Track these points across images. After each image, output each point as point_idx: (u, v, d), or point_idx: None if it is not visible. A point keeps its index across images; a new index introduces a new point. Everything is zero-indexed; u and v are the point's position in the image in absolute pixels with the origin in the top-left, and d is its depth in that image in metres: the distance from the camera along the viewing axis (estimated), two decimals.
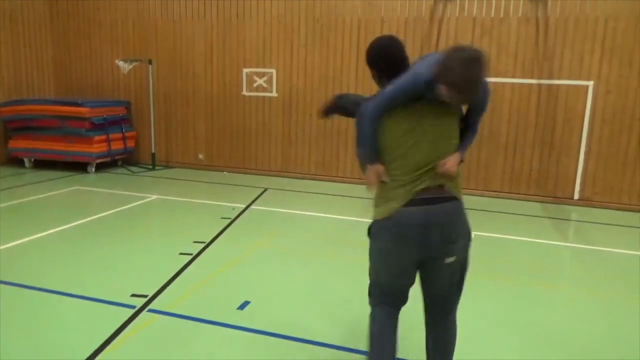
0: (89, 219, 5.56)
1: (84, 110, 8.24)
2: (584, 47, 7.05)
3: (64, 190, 7.08)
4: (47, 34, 9.69)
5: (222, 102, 8.94)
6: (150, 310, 3.39)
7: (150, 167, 9.06)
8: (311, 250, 4.88)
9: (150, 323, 3.23)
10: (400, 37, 8.48)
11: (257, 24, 8.49)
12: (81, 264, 4.25)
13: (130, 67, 8.70)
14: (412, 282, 2.24)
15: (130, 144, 9.25)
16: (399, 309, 2.29)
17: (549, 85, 7.24)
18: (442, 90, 1.92)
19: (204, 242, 4.87)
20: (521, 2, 7.21)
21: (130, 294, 3.63)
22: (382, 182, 2.15)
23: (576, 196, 7.28)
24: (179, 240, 4.94)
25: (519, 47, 7.30)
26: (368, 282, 2.32)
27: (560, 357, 3.02)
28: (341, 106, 2.49)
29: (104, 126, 8.53)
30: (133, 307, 3.43)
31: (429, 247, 2.09)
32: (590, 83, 6.96)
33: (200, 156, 9.23)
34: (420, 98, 2.05)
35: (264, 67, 8.57)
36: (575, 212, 7.02)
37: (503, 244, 5.33)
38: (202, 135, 9.19)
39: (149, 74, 8.85)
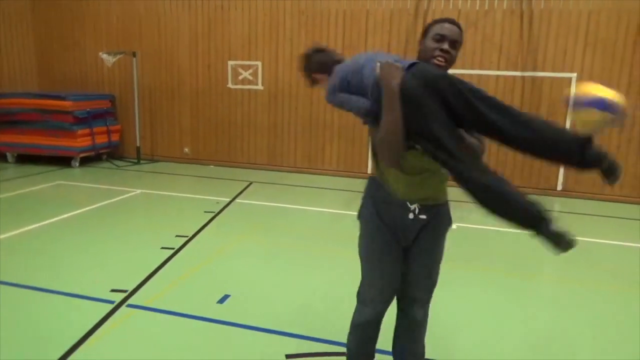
0: (70, 214, 5.52)
1: (67, 104, 8.15)
2: (567, 40, 7.08)
3: (47, 184, 7.01)
4: (29, 27, 9.55)
5: (207, 95, 8.88)
6: (129, 305, 3.38)
7: (135, 161, 9.00)
8: (294, 243, 4.88)
9: (129, 318, 3.21)
10: (385, 29, 8.47)
11: (242, 17, 8.43)
12: (61, 259, 4.21)
13: (114, 59, 8.59)
14: None
15: (115, 137, 9.17)
16: None
17: (533, 78, 7.28)
18: None
19: (187, 236, 4.86)
20: None
21: (110, 289, 3.60)
22: None
23: (559, 187, 7.34)
24: (161, 234, 4.92)
25: (503, 39, 7.32)
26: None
27: (537, 349, 3.06)
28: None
29: (87, 120, 8.44)
30: (112, 302, 3.41)
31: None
32: (574, 75, 7.00)
33: (186, 150, 9.18)
34: None
35: (250, 59, 8.52)
36: (558, 203, 7.08)
37: (482, 235, 5.36)
38: (187, 129, 9.13)
39: (133, 66, 8.76)
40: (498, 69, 7.35)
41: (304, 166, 8.56)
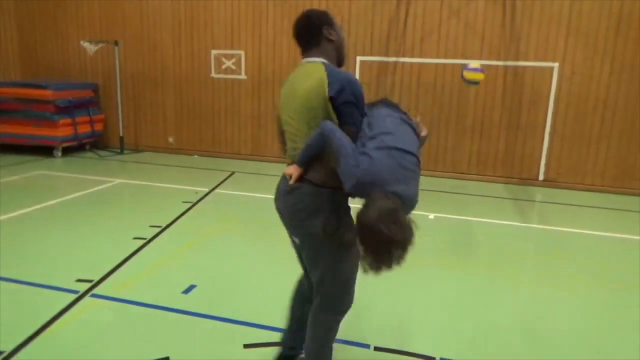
0: (46, 204, 5.49)
1: (48, 93, 8.07)
2: (549, 29, 7.05)
3: (27, 174, 6.97)
4: (11, 15, 9.42)
5: (191, 85, 8.82)
6: (93, 295, 3.37)
7: (119, 151, 8.95)
8: (268, 234, 4.86)
9: (92, 308, 3.20)
10: (368, 17, 8.37)
11: (224, 5, 8.34)
12: (29, 249, 4.19)
13: (96, 48, 8.51)
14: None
15: (99, 127, 9.11)
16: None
17: (515, 67, 7.25)
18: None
19: (160, 227, 4.84)
20: None
21: (76, 279, 3.59)
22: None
23: (541, 177, 7.35)
24: (135, 224, 4.90)
25: (485, 28, 7.28)
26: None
27: (515, 339, 3.07)
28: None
29: (69, 109, 8.37)
30: (77, 292, 3.40)
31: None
32: (556, 65, 6.97)
33: (170, 139, 9.13)
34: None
35: (233, 48, 8.45)
36: (539, 193, 7.10)
37: (464, 226, 5.37)
38: (171, 119, 9.07)
39: (115, 55, 8.68)
40: (480, 58, 7.31)
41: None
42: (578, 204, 6.54)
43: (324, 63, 2.11)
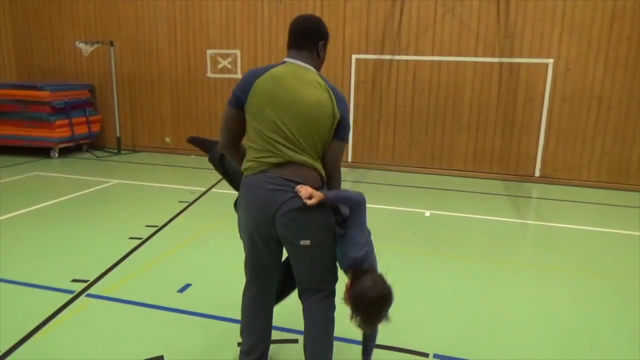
0: (43, 204, 5.50)
1: (44, 94, 8.08)
2: (544, 26, 7.07)
3: (23, 175, 6.97)
4: (6, 16, 9.42)
5: (187, 85, 8.82)
6: (88, 295, 3.38)
7: (116, 151, 8.95)
8: None
9: (87, 308, 3.21)
10: (363, 15, 8.38)
11: (220, 4, 8.34)
12: (27, 249, 4.20)
13: (92, 49, 8.51)
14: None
15: (95, 128, 9.11)
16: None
17: (510, 64, 7.27)
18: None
19: (156, 226, 4.85)
20: None
21: (71, 279, 3.60)
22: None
23: (537, 173, 7.37)
24: (131, 224, 4.91)
25: (480, 25, 7.29)
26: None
27: (510, 333, 3.08)
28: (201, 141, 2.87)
29: (65, 110, 8.38)
30: (72, 292, 3.41)
31: None
32: (550, 61, 7.00)
33: (167, 139, 9.14)
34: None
35: (228, 48, 8.45)
36: (535, 190, 7.12)
37: (460, 222, 5.39)
38: (168, 119, 9.08)
39: (111, 56, 8.68)
40: (475, 56, 7.34)
41: None
42: (573, 200, 6.56)
43: (319, 75, 2.16)
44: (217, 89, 8.68)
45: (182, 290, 3.50)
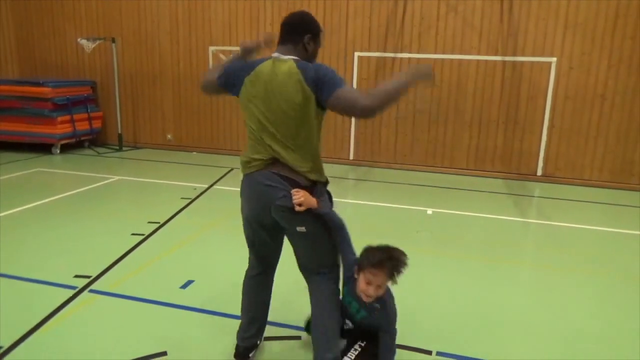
0: (45, 200, 5.50)
1: (45, 91, 8.07)
2: (547, 24, 7.05)
3: (25, 172, 6.97)
4: (9, 12, 9.40)
5: (189, 81, 8.81)
6: (91, 291, 3.38)
7: (117, 147, 8.95)
8: None
9: (90, 304, 3.21)
10: (366, 13, 8.34)
11: (222, 1, 8.32)
12: (27, 246, 4.20)
13: (94, 45, 8.50)
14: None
15: (97, 124, 9.11)
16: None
17: (513, 62, 7.25)
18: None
19: (159, 223, 4.85)
20: None
21: (74, 275, 3.60)
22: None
23: (539, 172, 7.34)
24: (133, 220, 4.91)
25: (483, 23, 7.27)
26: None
27: (512, 332, 3.08)
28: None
29: (67, 106, 8.37)
30: (75, 287, 3.41)
31: None
32: (554, 59, 6.96)
33: (169, 136, 9.13)
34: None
35: (231, 45, 8.43)
36: (538, 188, 7.10)
37: (462, 221, 5.38)
38: (170, 115, 9.07)
39: (113, 52, 8.67)
40: (478, 54, 7.32)
41: None
42: (576, 199, 6.55)
43: (294, 59, 2.19)
44: None
45: (184, 286, 3.50)
